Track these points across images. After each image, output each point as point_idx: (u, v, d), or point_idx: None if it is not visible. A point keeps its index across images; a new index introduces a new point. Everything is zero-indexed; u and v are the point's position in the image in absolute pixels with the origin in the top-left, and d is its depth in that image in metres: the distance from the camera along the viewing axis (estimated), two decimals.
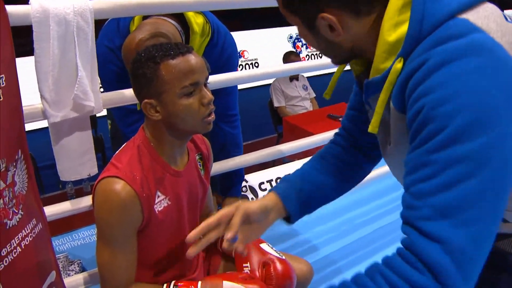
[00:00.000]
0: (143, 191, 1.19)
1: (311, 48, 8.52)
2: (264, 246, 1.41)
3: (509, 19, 0.84)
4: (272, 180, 3.15)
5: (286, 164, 3.12)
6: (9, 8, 1.22)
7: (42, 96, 1.38)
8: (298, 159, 3.16)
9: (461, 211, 0.72)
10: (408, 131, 0.81)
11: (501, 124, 0.72)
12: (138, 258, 1.26)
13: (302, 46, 9.03)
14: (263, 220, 1.12)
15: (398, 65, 0.81)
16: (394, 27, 0.82)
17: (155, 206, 1.23)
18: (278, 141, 4.53)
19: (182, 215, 1.33)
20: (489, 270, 0.86)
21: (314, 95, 4.80)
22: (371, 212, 2.91)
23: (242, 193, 3.06)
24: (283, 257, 1.39)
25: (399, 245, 0.80)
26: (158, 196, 1.24)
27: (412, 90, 0.78)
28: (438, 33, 0.77)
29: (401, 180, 0.95)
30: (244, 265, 1.36)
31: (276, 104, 4.56)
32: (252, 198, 3.07)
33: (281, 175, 3.20)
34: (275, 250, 1.41)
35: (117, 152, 1.27)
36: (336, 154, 1.23)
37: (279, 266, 1.35)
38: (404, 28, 0.81)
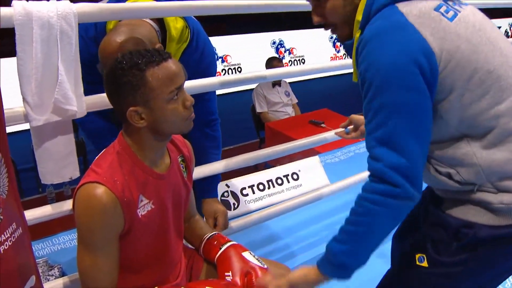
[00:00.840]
0: (124, 196, 1.19)
1: (294, 53, 8.57)
2: (246, 254, 1.41)
3: (442, 10, 1.11)
4: (253, 185, 3.16)
5: (268, 169, 3.13)
6: None
7: (24, 99, 1.37)
8: (280, 164, 3.18)
9: (391, 140, 1.06)
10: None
11: (402, 79, 1.04)
12: (122, 262, 1.25)
13: (285, 52, 9.08)
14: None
15: (357, 34, 1.16)
16: (360, 9, 1.16)
17: (138, 210, 1.23)
18: (260, 146, 4.55)
19: (167, 218, 1.34)
20: (443, 236, 1.19)
21: (296, 100, 4.84)
22: None
23: (224, 198, 3.07)
24: (265, 266, 1.39)
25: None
26: (142, 200, 1.24)
27: (357, 58, 1.14)
28: (377, 16, 1.11)
29: None
30: (226, 273, 1.37)
31: (258, 110, 4.58)
32: (233, 203, 3.08)
33: (263, 181, 3.22)
34: (257, 259, 1.41)
35: (96, 158, 1.27)
36: None
37: (260, 275, 1.35)
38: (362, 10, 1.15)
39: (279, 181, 3.05)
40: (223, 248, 1.43)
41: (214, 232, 1.52)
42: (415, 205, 1.12)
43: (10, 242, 1.18)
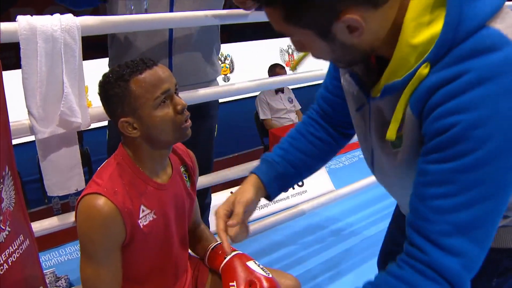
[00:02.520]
0: (125, 206, 1.19)
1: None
2: (250, 264, 1.40)
3: None
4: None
5: None
6: None
7: (29, 112, 1.38)
8: None
9: (477, 229, 0.78)
10: (421, 138, 0.82)
11: None
12: (126, 273, 1.26)
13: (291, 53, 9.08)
14: (254, 209, 1.18)
15: (425, 70, 0.77)
16: (421, 28, 0.76)
17: (139, 220, 1.24)
18: (264, 153, 4.55)
19: (170, 229, 1.34)
20: (482, 272, 0.92)
21: (300, 107, 4.84)
22: (357, 223, 2.94)
23: None
24: (270, 275, 1.39)
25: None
26: (143, 211, 1.25)
27: (441, 102, 0.76)
28: (473, 42, 0.73)
29: (388, 179, 1.03)
30: (230, 283, 1.36)
31: (262, 117, 4.59)
32: None
33: None
34: (261, 268, 1.40)
35: (98, 169, 1.28)
36: (313, 131, 1.23)
37: (265, 284, 1.34)
38: (434, 30, 0.75)
39: None
40: (227, 258, 1.42)
41: (218, 242, 1.53)
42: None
43: (17, 254, 1.19)
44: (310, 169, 1.25)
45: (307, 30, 0.80)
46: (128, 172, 1.24)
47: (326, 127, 1.22)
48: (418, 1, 0.77)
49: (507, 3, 0.80)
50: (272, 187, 1.19)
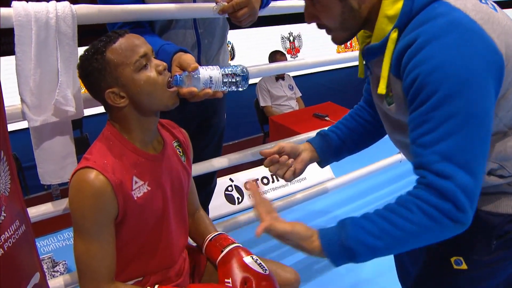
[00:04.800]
0: (116, 178, 1.19)
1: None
2: (248, 259, 1.39)
3: (482, 1, 1.03)
4: (258, 179, 3.17)
5: None
6: None
7: (22, 100, 1.38)
8: None
9: (458, 155, 0.95)
10: (404, 94, 1.02)
11: (478, 84, 0.94)
12: (122, 249, 1.25)
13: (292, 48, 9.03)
14: (295, 156, 1.41)
15: (394, 34, 1.02)
16: (392, 4, 1.03)
17: (132, 192, 1.23)
18: (264, 140, 4.55)
19: (166, 202, 1.33)
20: (480, 236, 1.14)
21: (300, 94, 4.83)
22: (356, 211, 2.93)
23: (228, 192, 3.08)
24: (267, 272, 1.37)
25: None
26: (136, 182, 1.25)
27: (407, 62, 0.98)
28: (426, 13, 0.98)
29: (392, 133, 1.25)
30: (226, 280, 1.34)
31: (262, 104, 4.58)
32: (238, 198, 3.09)
33: (267, 175, 3.22)
34: (258, 264, 1.38)
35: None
36: (359, 113, 1.49)
37: (261, 283, 1.33)
38: (399, 5, 1.02)
39: None
40: (224, 252, 1.41)
41: (217, 232, 1.51)
42: None
43: (13, 239, 1.19)
44: (357, 144, 1.48)
45: None
46: (117, 145, 1.24)
47: (369, 110, 1.47)
48: None
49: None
50: (323, 151, 1.44)
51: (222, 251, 1.41)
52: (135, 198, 1.24)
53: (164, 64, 1.24)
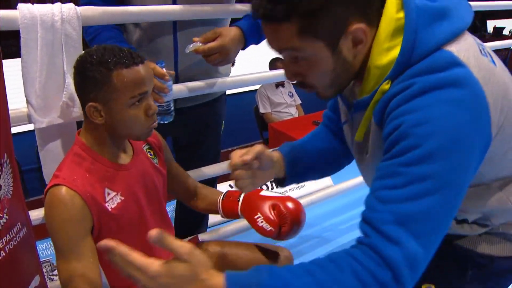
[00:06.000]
0: (87, 191, 1.19)
1: None
2: (264, 192, 1.45)
3: (483, 52, 0.94)
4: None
5: None
6: None
7: (28, 101, 1.38)
8: None
9: (417, 223, 0.82)
10: (383, 143, 0.90)
11: (464, 153, 0.84)
12: (106, 262, 1.25)
13: None
14: (267, 169, 1.21)
15: (386, 86, 0.90)
16: (385, 52, 0.90)
17: (106, 204, 1.23)
18: None
19: (142, 209, 1.34)
20: (455, 266, 1.06)
21: (300, 101, 4.84)
22: (355, 219, 2.93)
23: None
24: (286, 194, 1.42)
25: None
26: (108, 194, 1.25)
27: (393, 109, 0.88)
28: (426, 63, 0.87)
29: (367, 181, 1.11)
30: (255, 217, 1.38)
31: (262, 110, 4.58)
32: None
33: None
34: (275, 192, 1.45)
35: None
36: (329, 138, 1.36)
37: (288, 203, 1.38)
38: (394, 54, 0.89)
39: None
40: (240, 199, 1.46)
41: (224, 192, 1.55)
42: None
43: (15, 241, 1.19)
44: (326, 169, 1.38)
45: (320, 42, 0.89)
46: (87, 159, 1.24)
47: (335, 136, 1.35)
48: (383, 28, 0.90)
49: None
50: (291, 168, 1.28)
51: (239, 200, 1.47)
52: (110, 210, 1.24)
53: (155, 108, 1.23)
